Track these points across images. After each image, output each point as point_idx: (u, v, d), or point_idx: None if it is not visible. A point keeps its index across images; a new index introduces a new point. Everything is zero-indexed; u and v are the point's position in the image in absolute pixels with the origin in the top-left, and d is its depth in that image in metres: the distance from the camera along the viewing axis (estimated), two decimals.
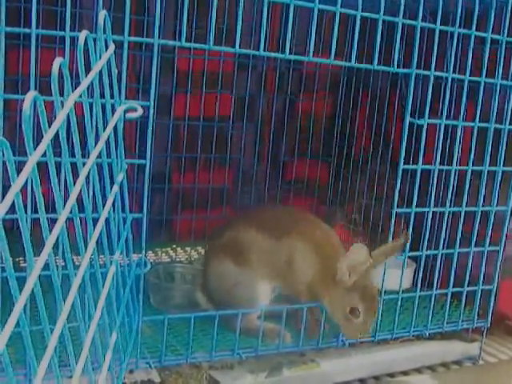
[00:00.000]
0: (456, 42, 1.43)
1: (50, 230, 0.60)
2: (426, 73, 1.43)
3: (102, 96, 0.92)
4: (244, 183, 2.31)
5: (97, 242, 0.81)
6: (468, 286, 1.65)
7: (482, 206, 1.59)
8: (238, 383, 1.39)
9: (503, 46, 1.49)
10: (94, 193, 0.91)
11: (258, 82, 2.28)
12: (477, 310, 1.69)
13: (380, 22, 1.32)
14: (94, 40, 0.86)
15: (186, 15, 1.14)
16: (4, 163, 1.05)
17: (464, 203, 1.57)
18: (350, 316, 1.43)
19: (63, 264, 1.13)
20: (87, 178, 0.74)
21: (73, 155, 0.78)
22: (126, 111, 0.98)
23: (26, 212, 1.07)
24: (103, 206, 0.90)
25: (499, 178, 1.59)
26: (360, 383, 1.57)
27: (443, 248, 1.60)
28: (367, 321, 1.43)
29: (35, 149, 0.56)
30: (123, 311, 1.09)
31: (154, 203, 2.16)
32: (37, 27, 1.08)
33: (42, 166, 0.60)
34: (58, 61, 0.65)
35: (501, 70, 1.50)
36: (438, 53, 1.41)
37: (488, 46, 1.46)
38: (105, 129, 0.88)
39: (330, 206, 2.45)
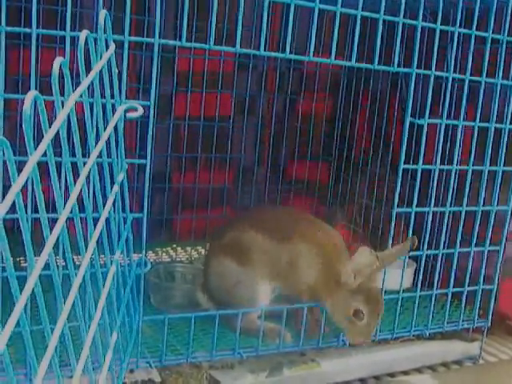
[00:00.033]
0: (456, 41, 1.42)
1: (51, 230, 0.60)
2: (427, 72, 1.43)
3: (103, 96, 0.92)
4: (244, 183, 2.31)
5: (97, 242, 0.81)
6: (468, 285, 1.65)
7: (483, 206, 1.59)
8: (238, 383, 1.39)
9: (504, 46, 1.49)
10: (94, 192, 0.91)
11: (259, 82, 2.28)
12: (477, 309, 1.69)
13: (380, 22, 1.32)
14: (95, 40, 0.86)
15: (187, 15, 1.14)
16: (4, 163, 1.05)
17: (464, 203, 1.57)
18: (353, 318, 1.42)
19: (64, 264, 1.13)
20: (88, 177, 0.74)
21: (73, 155, 0.78)
22: (126, 111, 0.98)
23: (26, 212, 1.07)
24: (103, 206, 0.90)
25: (499, 178, 1.59)
26: (360, 383, 1.57)
27: (444, 248, 1.60)
28: (371, 323, 1.42)
29: (36, 148, 0.56)
30: (123, 311, 1.09)
31: (154, 203, 2.16)
32: (37, 27, 1.08)
33: (42, 166, 0.60)
34: (58, 60, 0.65)
35: (501, 70, 1.50)
36: (439, 53, 1.41)
37: (488, 45, 1.46)
38: (105, 128, 0.88)
39: (330, 207, 2.45)
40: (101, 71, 0.87)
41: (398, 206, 1.48)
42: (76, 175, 0.72)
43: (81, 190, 0.71)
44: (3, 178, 1.07)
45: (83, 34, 0.78)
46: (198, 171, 2.23)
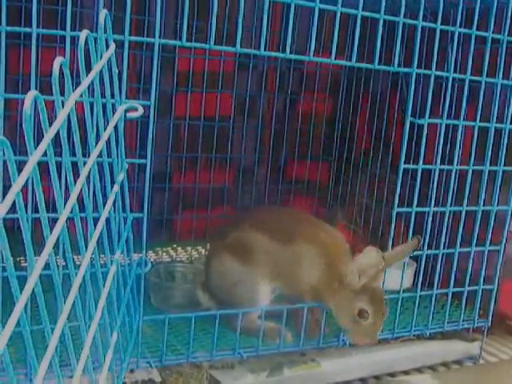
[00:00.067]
0: (457, 41, 1.42)
1: (51, 230, 0.60)
2: (427, 72, 1.43)
3: (103, 95, 0.92)
4: (244, 183, 2.31)
5: (97, 242, 0.81)
6: (469, 285, 1.65)
7: (483, 206, 1.59)
8: (238, 383, 1.39)
9: (504, 46, 1.49)
10: (94, 192, 0.91)
11: (259, 82, 2.28)
12: (477, 309, 1.69)
13: (381, 22, 1.32)
14: (95, 39, 0.86)
15: (187, 15, 1.14)
16: (5, 162, 1.05)
17: (465, 203, 1.57)
18: (357, 318, 1.41)
19: (64, 263, 1.13)
20: (88, 177, 0.74)
21: (73, 155, 0.78)
22: (126, 111, 0.98)
23: (26, 211, 1.07)
24: (104, 206, 0.90)
25: (500, 178, 1.59)
26: (361, 383, 1.57)
27: (444, 248, 1.60)
28: (376, 323, 1.42)
29: (36, 148, 0.56)
30: (124, 311, 1.09)
31: (154, 203, 2.16)
32: (37, 27, 1.08)
33: (42, 166, 0.59)
34: (58, 60, 0.65)
35: (501, 70, 1.50)
36: (439, 53, 1.41)
37: (489, 45, 1.46)
38: (105, 128, 0.88)
39: (330, 207, 2.45)
40: (101, 71, 0.87)
41: (398, 206, 1.48)
42: (76, 175, 0.72)
43: (81, 189, 0.71)
44: (3, 178, 1.07)
45: (83, 34, 0.78)
46: (198, 171, 2.23)
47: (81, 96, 0.74)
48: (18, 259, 1.73)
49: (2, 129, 1.06)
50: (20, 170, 0.52)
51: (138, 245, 1.20)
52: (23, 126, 0.54)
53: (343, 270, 1.43)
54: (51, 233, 0.59)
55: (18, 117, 1.78)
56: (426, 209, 1.54)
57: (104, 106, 0.94)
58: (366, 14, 1.31)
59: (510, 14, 1.47)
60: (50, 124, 0.62)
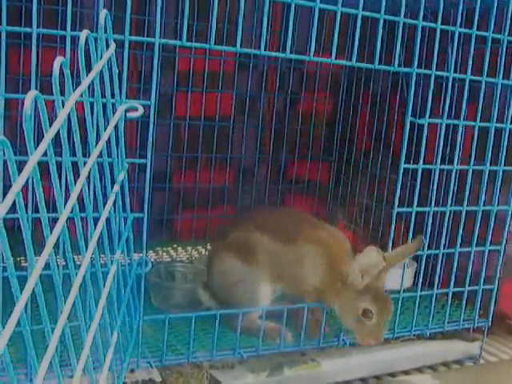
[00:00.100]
0: (457, 41, 1.42)
1: (51, 230, 0.60)
2: (427, 72, 1.43)
3: (103, 95, 0.92)
4: (245, 183, 2.31)
5: (98, 242, 0.81)
6: (469, 285, 1.65)
7: (483, 206, 1.59)
8: (238, 383, 1.39)
9: (504, 46, 1.49)
10: (94, 192, 0.91)
11: (259, 82, 2.28)
12: (477, 309, 1.69)
13: (381, 22, 1.32)
14: (95, 39, 0.86)
15: (187, 15, 1.14)
16: (5, 162, 1.05)
17: (465, 203, 1.57)
18: (362, 318, 1.41)
19: (64, 263, 1.13)
20: (88, 177, 0.74)
21: (73, 155, 0.78)
22: (126, 110, 0.98)
23: (26, 211, 1.07)
24: (104, 206, 0.90)
25: (500, 178, 1.59)
26: (361, 383, 1.57)
27: (444, 248, 1.60)
28: (380, 322, 1.41)
29: (36, 148, 0.56)
30: (124, 311, 1.09)
31: (154, 203, 2.16)
32: (38, 26, 1.08)
33: (42, 166, 0.60)
34: (58, 60, 0.65)
35: (501, 70, 1.50)
36: (439, 53, 1.41)
37: (489, 45, 1.46)
38: (106, 128, 0.88)
39: (330, 208, 2.45)
40: (101, 71, 0.87)
41: (398, 206, 1.48)
42: (76, 175, 0.72)
43: (81, 189, 0.71)
44: (4, 178, 1.07)
45: (84, 34, 0.78)
46: (199, 171, 2.23)
47: (81, 96, 0.74)
48: (19, 259, 1.73)
49: (2, 129, 1.06)
50: (20, 170, 0.52)
51: (138, 245, 1.20)
52: (23, 125, 0.54)
53: (345, 270, 1.43)
54: (51, 233, 0.59)
55: (18, 117, 1.78)
56: (427, 209, 1.54)
57: (104, 106, 0.94)
58: (366, 13, 1.31)
59: (510, 14, 1.47)
60: (50, 124, 0.62)
